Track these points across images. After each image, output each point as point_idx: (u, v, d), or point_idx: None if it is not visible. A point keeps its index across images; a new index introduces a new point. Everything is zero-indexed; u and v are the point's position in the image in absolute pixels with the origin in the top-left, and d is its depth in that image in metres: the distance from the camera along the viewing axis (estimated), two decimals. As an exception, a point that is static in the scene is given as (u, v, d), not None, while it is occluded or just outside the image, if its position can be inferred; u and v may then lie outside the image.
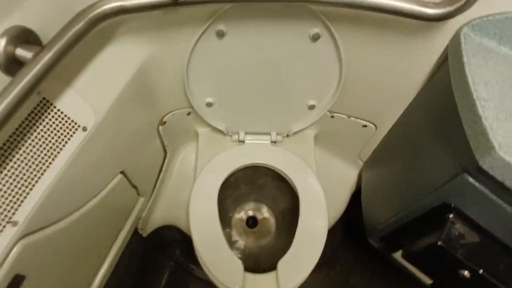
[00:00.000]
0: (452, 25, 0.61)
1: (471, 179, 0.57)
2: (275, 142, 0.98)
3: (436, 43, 0.65)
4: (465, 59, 0.58)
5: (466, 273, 0.62)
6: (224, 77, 0.80)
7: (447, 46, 0.65)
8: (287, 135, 0.99)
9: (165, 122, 0.93)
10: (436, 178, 0.65)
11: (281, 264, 0.80)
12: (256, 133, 0.98)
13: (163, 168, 1.03)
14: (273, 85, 0.82)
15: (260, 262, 0.98)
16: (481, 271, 0.60)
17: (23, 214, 0.54)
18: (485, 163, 0.50)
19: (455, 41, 0.62)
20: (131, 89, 0.71)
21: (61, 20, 0.51)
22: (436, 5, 0.55)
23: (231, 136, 0.98)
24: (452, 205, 0.63)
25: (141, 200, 0.96)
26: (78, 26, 0.51)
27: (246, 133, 0.97)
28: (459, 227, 0.64)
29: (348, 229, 1.30)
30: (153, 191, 1.01)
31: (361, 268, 1.23)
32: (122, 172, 0.80)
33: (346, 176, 1.14)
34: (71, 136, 0.60)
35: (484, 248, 0.62)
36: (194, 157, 1.08)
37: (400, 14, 0.57)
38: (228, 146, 0.98)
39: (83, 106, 0.61)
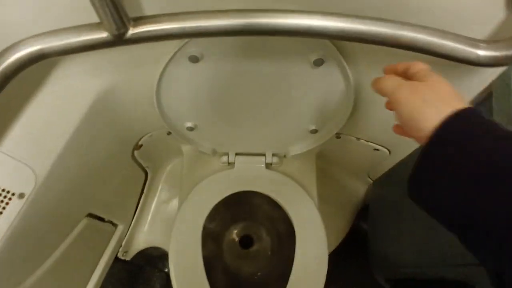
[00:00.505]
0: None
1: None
2: (270, 164, 0.85)
3: (475, 81, 0.49)
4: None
5: None
6: (204, 101, 0.65)
7: (491, 83, 0.49)
8: (284, 156, 0.85)
9: (141, 146, 0.80)
10: (459, 252, 0.53)
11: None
12: (248, 154, 0.84)
13: (145, 190, 0.92)
14: (266, 110, 0.67)
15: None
16: None
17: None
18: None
19: (503, 83, 0.45)
20: (86, 128, 0.58)
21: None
22: (489, 46, 0.38)
23: (219, 157, 0.85)
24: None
25: (120, 228, 0.86)
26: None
27: (237, 154, 0.84)
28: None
29: (352, 240, 1.20)
30: (134, 215, 0.91)
31: (362, 285, 1.16)
32: (89, 215, 0.69)
33: (353, 193, 1.02)
34: (4, 208, 0.48)
35: None
36: (178, 173, 0.96)
37: (435, 54, 0.40)
38: (216, 168, 0.85)
39: (17, 167, 0.49)
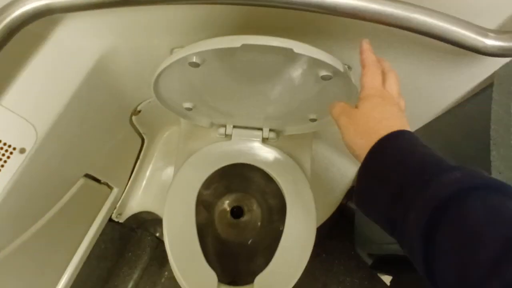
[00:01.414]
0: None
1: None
2: (267, 138, 0.86)
3: (479, 69, 0.50)
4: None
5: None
6: (203, 91, 0.64)
7: (494, 73, 0.50)
8: (281, 132, 0.86)
9: (139, 111, 0.80)
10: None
11: (258, 279, 0.75)
12: (246, 128, 0.85)
13: (141, 156, 0.93)
14: (267, 101, 0.67)
15: (238, 263, 0.94)
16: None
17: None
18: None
19: (508, 71, 0.46)
20: (87, 89, 0.57)
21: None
22: (497, 36, 0.39)
23: (217, 128, 0.85)
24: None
25: (115, 191, 0.87)
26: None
27: (234, 127, 0.84)
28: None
29: (338, 216, 1.25)
30: (129, 179, 0.92)
31: (346, 258, 1.21)
32: (86, 175, 0.70)
33: (344, 173, 1.04)
34: (5, 162, 0.48)
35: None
36: (175, 142, 0.97)
37: (444, 40, 0.41)
38: (213, 139, 0.86)
39: (19, 123, 0.49)
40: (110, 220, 0.92)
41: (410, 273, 0.66)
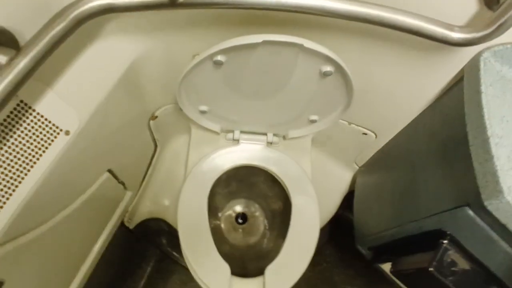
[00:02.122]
0: (473, 47, 0.56)
1: (472, 214, 0.55)
2: (271, 143, 0.94)
3: (452, 64, 0.61)
4: (483, 88, 0.54)
5: (453, 300, 0.62)
6: (220, 92, 0.74)
7: (463, 68, 0.61)
8: (284, 137, 0.95)
9: (156, 117, 0.88)
10: (434, 204, 0.64)
11: (268, 270, 0.79)
12: (252, 133, 0.93)
13: (153, 162, 0.99)
14: (273, 101, 0.77)
15: (246, 262, 0.97)
16: (469, 300, 0.60)
17: (0, 222, 0.50)
18: (491, 205, 0.48)
19: (474, 65, 0.57)
20: (120, 87, 0.66)
21: (41, 17, 0.45)
22: (461, 29, 0.50)
23: (225, 134, 0.94)
24: (448, 232, 0.62)
25: (129, 194, 0.92)
26: (60, 26, 0.45)
27: (241, 132, 0.93)
28: (452, 254, 0.63)
29: (336, 228, 1.30)
30: (141, 184, 0.98)
31: (346, 266, 1.25)
32: (109, 170, 0.76)
33: (341, 178, 1.12)
34: (52, 141, 0.55)
35: (474, 277, 0.62)
36: (184, 152, 1.04)
37: (421, 35, 0.52)
38: (221, 145, 0.93)
39: (66, 108, 0.56)
40: (122, 224, 0.96)
41: (406, 254, 0.72)
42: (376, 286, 1.22)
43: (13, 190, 0.51)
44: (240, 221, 1.07)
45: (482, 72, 0.56)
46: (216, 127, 0.89)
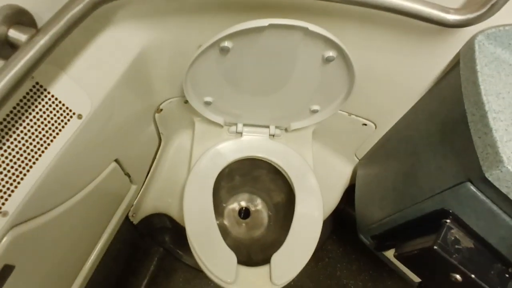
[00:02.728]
0: (468, 31, 0.60)
1: (473, 188, 0.57)
2: (273, 135, 0.96)
3: (448, 48, 0.64)
4: (478, 67, 0.57)
5: (458, 277, 0.63)
6: (225, 82, 0.76)
7: (459, 52, 0.64)
8: (286, 130, 0.97)
9: (161, 110, 0.90)
10: (436, 184, 0.65)
11: (274, 258, 0.80)
12: (254, 125, 0.95)
13: (157, 157, 1.00)
14: (277, 90, 0.79)
15: (251, 254, 0.98)
16: (473, 276, 0.61)
17: (13, 204, 0.51)
18: (492, 175, 0.50)
19: (469, 49, 0.61)
20: (129, 75, 0.68)
21: (57, 2, 0.47)
22: (456, 11, 0.54)
23: (228, 127, 0.96)
24: (450, 210, 0.64)
25: (133, 187, 0.93)
26: (77, 8, 0.47)
27: (244, 125, 0.95)
28: (455, 232, 0.65)
29: (338, 223, 1.31)
30: (145, 179, 0.99)
31: (348, 261, 1.26)
32: (116, 160, 0.77)
33: (341, 172, 1.14)
34: (66, 123, 0.56)
35: (478, 254, 0.63)
36: (188, 146, 1.05)
37: (419, 18, 0.55)
38: (225, 138, 0.95)
39: (79, 92, 0.58)
40: (127, 219, 0.96)
41: (410, 239, 0.73)
42: (378, 281, 1.23)
43: (27, 171, 0.52)
44: (243, 216, 1.07)
45: (477, 53, 0.59)
46: (219, 119, 0.90)
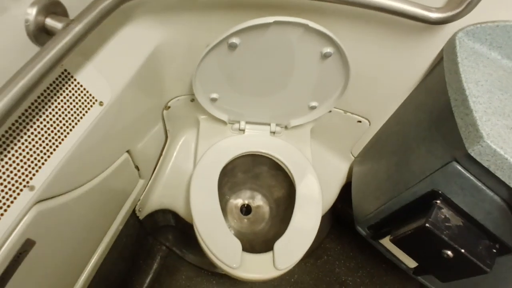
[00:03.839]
0: (449, 30, 0.67)
1: (459, 167, 0.63)
2: (274, 132, 1.02)
3: (433, 46, 0.72)
4: (459, 59, 0.64)
5: (449, 253, 0.68)
6: (230, 78, 0.82)
7: (442, 49, 0.72)
8: (286, 127, 1.03)
9: (169, 107, 0.95)
10: (426, 168, 0.71)
11: (277, 244, 0.84)
12: (256, 123, 1.01)
13: (163, 153, 1.05)
14: (278, 87, 0.86)
15: (255, 245, 1.01)
16: (463, 250, 0.66)
17: (40, 179, 0.55)
18: (474, 151, 0.56)
19: (451, 44, 0.68)
20: (144, 70, 0.74)
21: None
22: (438, 10, 0.61)
23: (232, 124, 1.01)
24: (440, 191, 0.69)
25: (141, 182, 0.97)
26: (107, 1, 0.53)
27: (246, 123, 1.00)
28: (445, 212, 0.70)
29: (335, 221, 1.36)
30: (152, 174, 1.03)
31: (346, 259, 1.30)
32: (128, 151, 0.82)
33: (338, 170, 1.20)
34: (89, 109, 0.61)
35: (466, 231, 0.69)
36: (193, 144, 1.10)
37: (405, 15, 0.62)
38: (228, 134, 1.01)
39: (102, 81, 0.63)
40: (133, 213, 1.00)
41: (404, 223, 0.79)
42: (376, 277, 1.27)
43: (54, 149, 0.57)
44: (245, 212, 1.11)
45: (458, 48, 0.66)
46: (223, 116, 0.96)
